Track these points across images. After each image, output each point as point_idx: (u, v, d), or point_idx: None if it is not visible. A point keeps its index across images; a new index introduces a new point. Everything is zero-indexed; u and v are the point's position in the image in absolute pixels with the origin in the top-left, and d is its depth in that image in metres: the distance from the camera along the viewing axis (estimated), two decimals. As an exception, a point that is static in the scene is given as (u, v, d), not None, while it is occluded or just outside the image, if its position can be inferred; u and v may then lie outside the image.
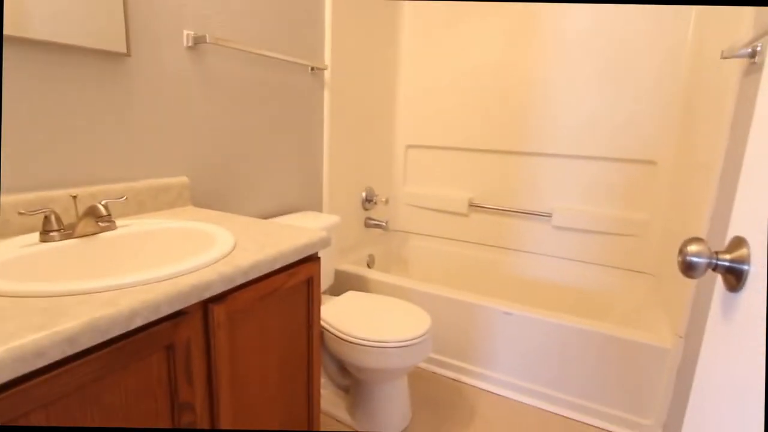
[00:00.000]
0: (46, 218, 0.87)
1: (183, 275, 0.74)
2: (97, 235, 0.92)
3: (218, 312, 0.79)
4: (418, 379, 1.80)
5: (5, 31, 0.86)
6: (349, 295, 1.66)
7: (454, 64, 2.28)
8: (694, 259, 0.53)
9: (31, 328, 0.55)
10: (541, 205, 2.19)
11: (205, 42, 1.25)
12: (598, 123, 1.99)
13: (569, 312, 1.67)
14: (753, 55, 1.13)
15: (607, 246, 2.08)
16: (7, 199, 0.89)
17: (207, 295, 0.76)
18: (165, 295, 0.67)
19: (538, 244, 2.24)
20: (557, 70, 2.04)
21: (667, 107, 1.85)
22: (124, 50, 1.07)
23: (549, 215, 2.15)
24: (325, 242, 1.05)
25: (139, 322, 0.64)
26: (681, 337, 1.42)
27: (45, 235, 0.87)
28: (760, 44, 1.09)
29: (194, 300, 0.73)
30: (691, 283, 1.38)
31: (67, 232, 0.89)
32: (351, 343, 1.36)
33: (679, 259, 0.55)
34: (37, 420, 0.56)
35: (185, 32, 1.24)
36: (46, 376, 0.55)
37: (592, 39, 1.95)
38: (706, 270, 0.53)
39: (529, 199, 2.23)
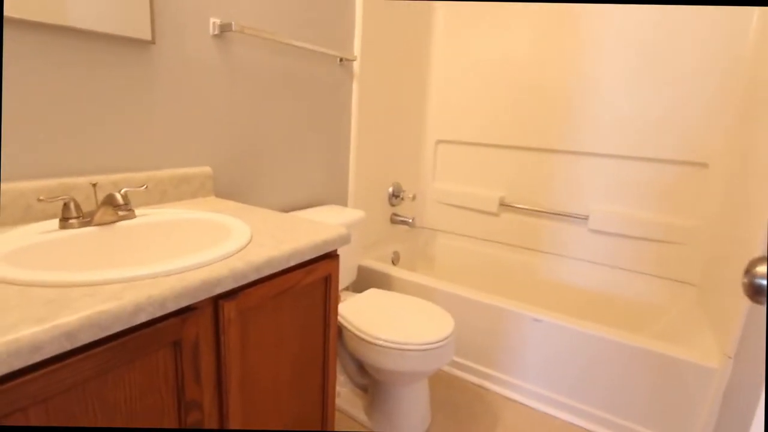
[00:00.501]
0: (66, 205, 0.87)
1: (192, 270, 0.71)
2: (115, 224, 0.91)
3: (229, 309, 0.76)
4: (439, 381, 1.74)
5: (31, 17, 0.86)
6: (371, 293, 1.61)
7: (489, 57, 2.18)
8: (764, 282, 0.45)
9: (32, 320, 0.53)
10: (577, 207, 2.07)
11: (231, 30, 1.22)
12: (644, 121, 1.85)
13: (603, 322, 1.57)
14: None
15: (647, 253, 1.94)
16: (29, 185, 0.89)
17: (217, 291, 0.72)
18: (171, 290, 0.65)
19: (573, 247, 2.13)
20: (599, 64, 1.91)
21: (723, 105, 1.70)
22: (149, 37, 1.05)
23: (585, 218, 2.03)
24: (344, 239, 1.01)
25: (143, 318, 0.61)
26: (730, 357, 1.29)
27: (64, 222, 0.87)
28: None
29: (203, 296, 0.70)
30: (742, 297, 1.25)
31: (86, 219, 0.88)
32: (370, 343, 1.32)
33: (746, 281, 0.47)
34: (36, 415, 0.54)
35: (211, 20, 1.22)
36: (45, 370, 0.53)
37: (638, 31, 1.81)
38: (777, 294, 0.45)
39: (565, 200, 2.11)
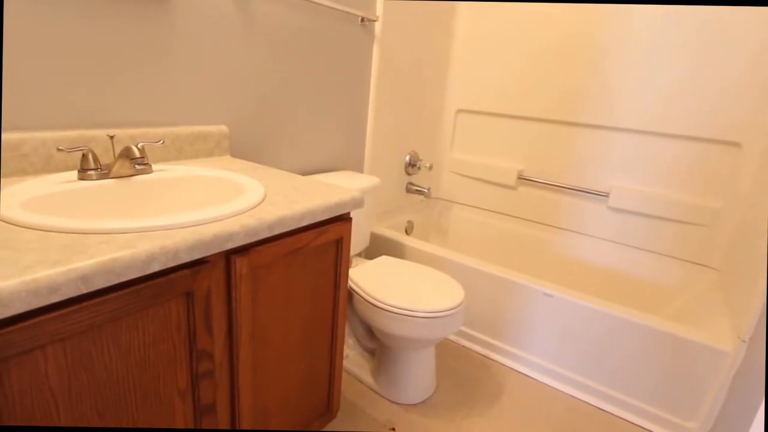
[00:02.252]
0: (84, 156, 0.88)
1: (205, 224, 0.72)
2: (132, 177, 0.92)
3: (240, 264, 0.77)
4: (446, 350, 1.76)
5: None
6: (383, 260, 1.62)
7: (515, 23, 2.08)
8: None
9: (48, 263, 0.54)
10: (597, 184, 2.02)
11: (250, -17, 1.18)
12: (674, 96, 1.76)
13: (618, 301, 1.55)
14: None
15: (668, 233, 1.89)
16: (50, 134, 0.90)
17: (229, 246, 0.73)
18: (184, 241, 0.66)
19: (590, 225, 2.09)
20: (627, 34, 1.81)
21: (761, 83, 1.60)
22: (167, -12, 1.03)
23: (606, 195, 1.98)
24: (357, 203, 1.00)
25: (156, 267, 0.63)
26: (744, 341, 1.27)
27: (83, 173, 0.88)
28: None
29: (215, 250, 0.71)
30: (762, 283, 1.22)
31: (104, 171, 0.90)
32: (379, 308, 1.33)
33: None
34: (54, 353, 0.56)
35: (230, -28, 1.18)
36: (62, 311, 0.55)
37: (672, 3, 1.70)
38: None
39: (585, 175, 2.05)
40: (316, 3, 1.42)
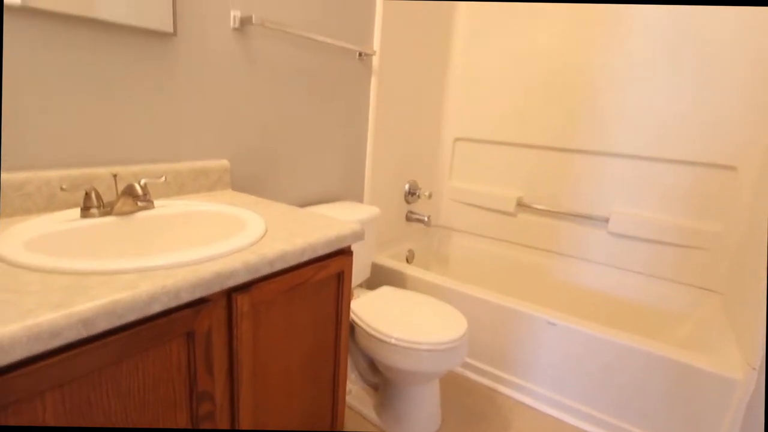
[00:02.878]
0: (87, 195, 0.89)
1: (206, 261, 0.71)
2: (134, 214, 0.93)
3: (242, 302, 0.77)
4: (451, 383, 1.72)
5: (58, 8, 0.87)
6: (384, 290, 1.61)
7: (511, 52, 2.14)
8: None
9: (50, 306, 0.54)
10: (597, 209, 2.03)
11: (252, 23, 1.22)
12: (668, 121, 1.80)
13: (622, 327, 1.53)
14: None
15: (669, 258, 1.89)
16: (53, 174, 0.91)
17: (230, 283, 0.73)
18: (186, 281, 0.65)
19: (591, 250, 2.08)
20: (623, 61, 1.86)
21: (756, 109, 1.63)
22: (171, 30, 1.06)
23: (605, 220, 1.99)
24: (358, 235, 1.00)
25: (157, 308, 0.62)
26: (754, 368, 1.25)
27: (85, 211, 0.88)
28: None
29: (217, 288, 0.71)
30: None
31: (106, 209, 0.90)
32: (381, 340, 1.31)
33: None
34: (53, 400, 0.55)
35: (232, 13, 1.22)
36: (63, 356, 0.54)
37: (664, 27, 1.75)
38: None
39: (584, 201, 2.07)
40: (315, 40, 1.46)
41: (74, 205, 0.93)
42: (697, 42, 1.70)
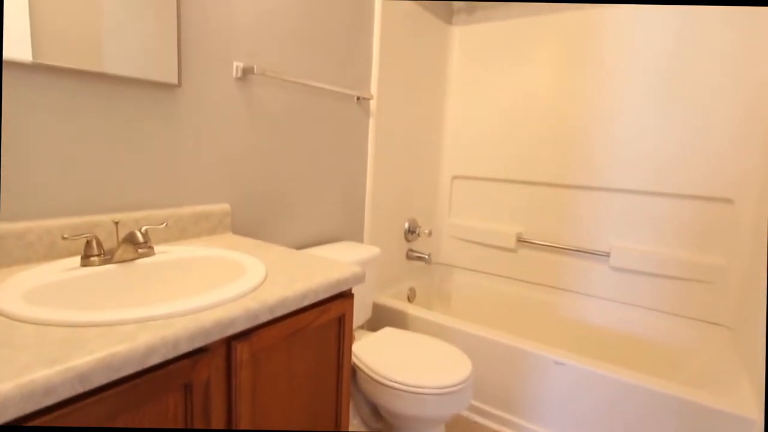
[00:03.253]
0: (88, 243, 0.89)
1: (206, 310, 0.71)
2: (135, 261, 0.93)
3: (241, 350, 0.75)
4: (457, 427, 1.66)
5: (70, 65, 0.91)
6: (386, 332, 1.58)
7: (505, 91, 2.21)
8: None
9: (45, 361, 0.53)
10: (597, 244, 2.02)
11: (253, 73, 1.27)
12: (665, 155, 1.83)
13: (629, 365, 1.49)
14: None
15: (674, 292, 1.87)
16: (54, 222, 0.92)
17: (230, 331, 0.72)
18: (185, 330, 0.64)
19: (594, 285, 2.06)
20: (619, 97, 1.91)
21: (749, 141, 1.66)
22: (176, 81, 1.10)
23: (607, 254, 1.98)
24: (358, 278, 1.00)
25: (155, 360, 0.61)
26: (770, 407, 1.20)
27: (86, 259, 0.88)
28: None
29: (216, 337, 0.70)
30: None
31: (107, 257, 0.90)
32: (384, 385, 1.28)
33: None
34: (43, 460, 0.53)
35: (235, 64, 1.27)
36: (56, 414, 0.53)
37: (658, 63, 1.81)
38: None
39: (585, 236, 2.07)
40: (315, 87, 1.51)
41: (75, 253, 0.93)
42: (688, 78, 1.76)
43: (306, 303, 0.87)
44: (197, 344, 0.67)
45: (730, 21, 1.66)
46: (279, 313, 0.80)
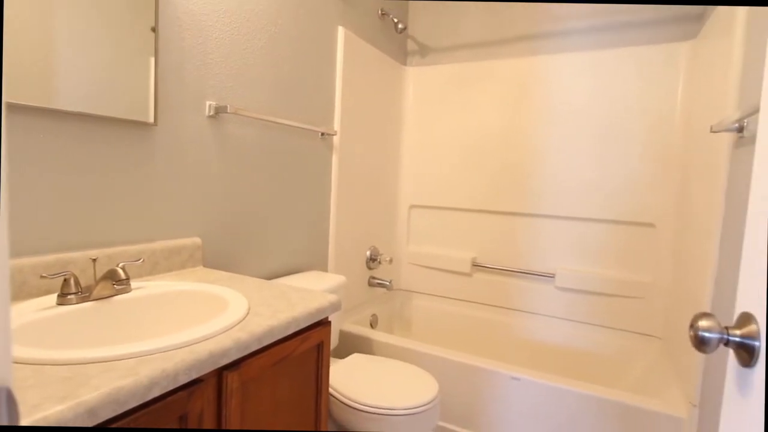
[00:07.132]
0: (65, 281, 0.89)
1: (200, 342, 0.74)
2: (112, 298, 0.93)
3: (232, 380, 0.79)
4: (424, 448, 1.71)
5: (49, 105, 0.93)
6: (354, 358, 1.63)
7: (456, 127, 2.40)
8: (706, 335, 0.55)
9: (55, 398, 0.55)
10: (544, 266, 2.21)
11: (226, 112, 1.33)
12: (597, 186, 2.07)
13: (577, 376, 1.64)
14: (740, 129, 1.21)
15: (612, 308, 2.07)
16: (28, 261, 0.91)
17: (223, 362, 0.76)
18: (183, 362, 0.68)
19: (543, 305, 2.24)
20: (556, 135, 2.14)
21: (664, 171, 1.93)
22: (152, 120, 1.14)
23: (552, 276, 2.17)
24: (335, 307, 1.06)
25: (156, 392, 0.64)
26: (695, 405, 1.38)
27: (62, 297, 0.88)
28: (746, 121, 1.17)
29: (210, 368, 0.73)
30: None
31: (84, 294, 0.90)
32: (357, 410, 1.32)
33: (691, 333, 0.56)
34: (48, 498, 0.54)
35: (207, 103, 1.32)
36: (63, 450, 0.55)
37: (588, 107, 2.06)
38: (718, 345, 0.54)
39: (532, 259, 2.25)
40: (282, 124, 1.59)
41: (47, 292, 0.92)
42: (611, 117, 2.02)
43: (290, 332, 0.92)
44: (194, 375, 0.70)
45: (640, 68, 1.95)
46: (266, 342, 0.85)
